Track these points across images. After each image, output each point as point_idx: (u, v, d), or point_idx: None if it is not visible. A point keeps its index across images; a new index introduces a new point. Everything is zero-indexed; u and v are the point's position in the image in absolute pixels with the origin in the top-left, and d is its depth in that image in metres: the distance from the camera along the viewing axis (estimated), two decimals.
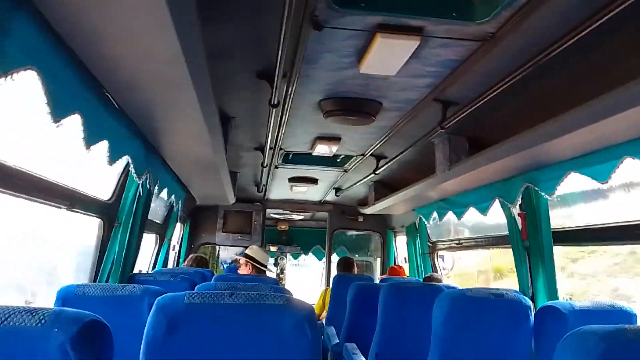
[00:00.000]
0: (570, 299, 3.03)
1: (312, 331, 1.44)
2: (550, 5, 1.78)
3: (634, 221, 2.42)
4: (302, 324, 1.43)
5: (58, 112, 1.59)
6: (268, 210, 7.24)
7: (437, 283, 3.68)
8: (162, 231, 4.88)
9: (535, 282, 2.93)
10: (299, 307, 1.47)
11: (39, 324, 0.97)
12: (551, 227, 2.94)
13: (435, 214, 4.58)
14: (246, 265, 4.04)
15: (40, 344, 0.96)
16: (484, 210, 3.58)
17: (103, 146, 2.08)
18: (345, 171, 5.06)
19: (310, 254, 8.62)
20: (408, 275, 5.61)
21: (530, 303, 2.36)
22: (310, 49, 2.26)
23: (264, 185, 5.81)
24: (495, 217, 3.70)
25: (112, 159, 2.18)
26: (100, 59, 1.72)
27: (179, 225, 5.80)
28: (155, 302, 1.41)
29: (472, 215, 3.93)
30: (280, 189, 6.30)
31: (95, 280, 2.80)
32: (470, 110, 2.80)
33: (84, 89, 1.79)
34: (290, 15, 1.80)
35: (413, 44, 2.10)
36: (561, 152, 2.52)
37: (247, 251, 4.09)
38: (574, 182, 2.62)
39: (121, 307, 2.03)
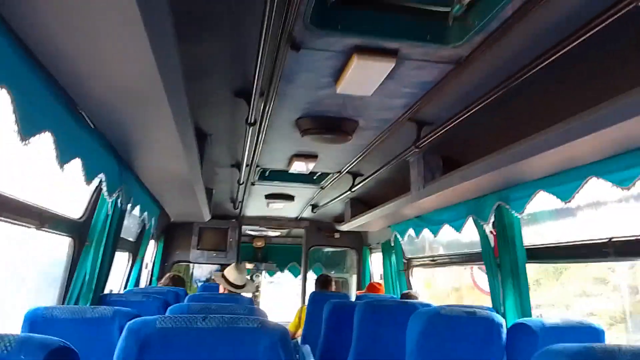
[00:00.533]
0: (540, 315, 3.09)
1: (286, 354, 1.43)
2: (520, 30, 1.84)
3: (600, 239, 2.49)
4: (276, 346, 1.42)
5: (27, 130, 1.55)
6: (244, 227, 7.18)
7: (413, 300, 3.69)
8: (135, 249, 4.78)
9: (506, 299, 2.97)
10: (273, 329, 1.46)
11: (5, 351, 0.94)
12: (524, 244, 3.00)
13: (410, 231, 4.62)
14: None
15: None
16: (458, 228, 3.63)
17: (76, 164, 2.04)
18: (322, 188, 5.07)
19: (286, 270, 8.56)
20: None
21: (502, 320, 2.39)
22: (288, 68, 2.28)
23: (240, 201, 5.77)
24: (470, 234, 3.76)
25: (88, 177, 2.14)
26: (73, 76, 1.70)
27: (152, 242, 5.68)
28: (126, 327, 1.37)
29: (447, 232, 3.99)
30: (256, 205, 6.26)
31: (64, 301, 2.71)
32: (444, 130, 2.86)
33: (56, 106, 1.76)
34: (268, 34, 1.82)
35: (389, 65, 2.15)
36: (531, 172, 2.60)
37: (225, 271, 4.04)
38: (546, 200, 2.69)
39: (91, 330, 1.97)
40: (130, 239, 4.58)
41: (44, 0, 1.23)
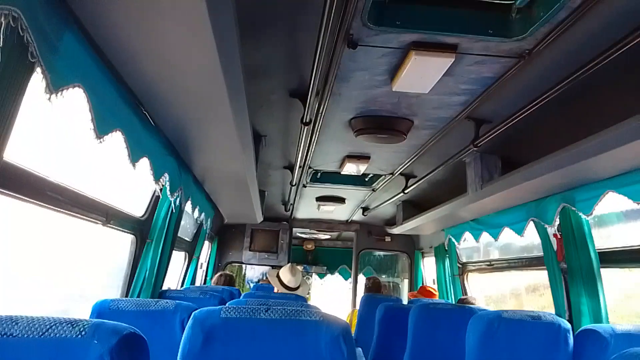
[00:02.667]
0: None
1: (348, 347, 1.42)
2: (589, 20, 1.75)
3: None
4: (338, 339, 1.41)
5: (102, 128, 1.64)
6: (294, 229, 7.25)
7: (471, 306, 3.58)
8: (191, 249, 4.92)
9: (576, 304, 2.82)
10: (335, 323, 1.45)
11: (79, 335, 0.98)
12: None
13: (466, 235, 4.49)
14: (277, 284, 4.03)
15: (81, 354, 0.96)
16: (519, 231, 3.49)
17: (145, 163, 2.13)
18: (374, 190, 5.04)
19: (337, 273, 8.55)
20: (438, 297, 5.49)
21: (568, 325, 2.27)
22: (344, 67, 2.28)
23: (291, 204, 5.83)
24: (523, 238, 3.61)
25: (156, 176, 2.24)
26: (140, 75, 1.77)
27: (206, 243, 5.84)
28: (192, 316, 1.41)
29: (501, 236, 3.85)
30: (307, 207, 6.30)
31: (127, 295, 2.83)
32: (503, 128, 2.76)
33: (124, 105, 1.84)
34: (326, 34, 1.83)
35: (447, 61, 2.10)
36: (599, 171, 2.45)
37: (279, 272, 4.09)
38: (615, 201, 2.53)
39: (154, 322, 2.04)
40: (187, 239, 4.72)
41: (116, 2, 1.29)
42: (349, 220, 7.01)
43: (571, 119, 2.58)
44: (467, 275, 5.18)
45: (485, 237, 4.12)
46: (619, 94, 2.22)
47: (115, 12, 1.35)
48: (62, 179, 1.91)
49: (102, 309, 2.03)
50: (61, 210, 1.93)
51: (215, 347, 1.37)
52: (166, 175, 2.53)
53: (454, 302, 4.94)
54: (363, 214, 6.35)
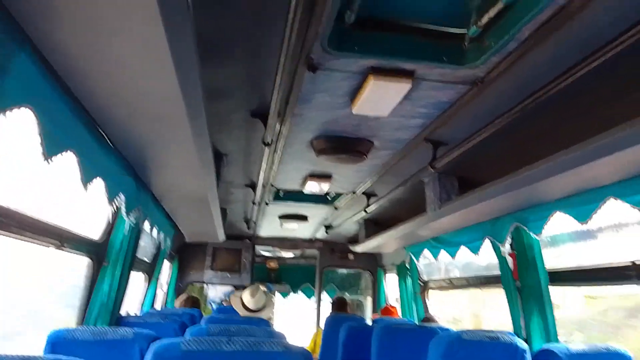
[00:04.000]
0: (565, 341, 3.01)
1: None
2: (539, 52, 1.85)
3: (624, 263, 2.44)
4: None
5: (51, 149, 1.58)
6: (257, 248, 7.17)
7: (433, 324, 3.63)
8: (151, 269, 4.79)
9: (529, 323, 2.90)
10: (297, 353, 1.44)
11: None
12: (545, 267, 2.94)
13: (426, 252, 4.57)
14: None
15: None
16: (475, 250, 3.58)
17: (98, 184, 2.07)
18: (336, 208, 5.06)
19: (300, 292, 8.49)
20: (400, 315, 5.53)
21: (525, 346, 2.33)
22: (305, 90, 2.31)
23: (253, 222, 5.78)
24: (485, 257, 3.71)
25: (110, 196, 2.17)
26: (96, 96, 1.73)
27: (166, 263, 5.69)
28: (152, 350, 1.36)
29: (464, 254, 3.93)
30: (270, 225, 6.26)
31: (82, 322, 2.72)
32: (460, 150, 2.85)
33: (78, 126, 1.80)
34: (287, 57, 1.85)
35: (405, 86, 2.16)
36: (549, 193, 2.56)
37: (243, 293, 4.03)
38: (566, 222, 2.65)
39: (112, 352, 1.97)
40: (146, 259, 4.60)
41: (68, 21, 1.26)
42: (313, 238, 7.00)
43: (524, 143, 2.69)
44: (427, 293, 5.25)
45: (447, 256, 4.20)
46: (565, 120, 2.34)
47: (69, 33, 1.32)
48: (10, 202, 1.83)
49: (57, 340, 1.95)
50: (10, 234, 1.85)
51: None
52: (121, 195, 2.46)
53: (416, 321, 4.98)
54: (326, 231, 6.36)
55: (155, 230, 3.67)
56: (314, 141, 3.10)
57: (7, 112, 1.30)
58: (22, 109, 1.37)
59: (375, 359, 2.90)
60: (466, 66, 2.02)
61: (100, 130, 2.03)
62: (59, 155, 1.65)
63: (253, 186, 4.22)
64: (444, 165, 3.13)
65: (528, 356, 2.31)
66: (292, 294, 8.57)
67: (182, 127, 1.95)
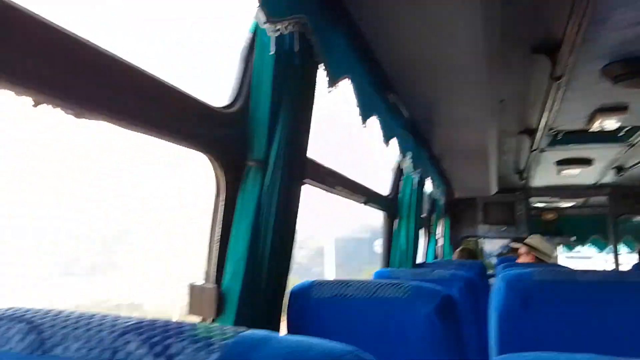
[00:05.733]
0: None
1: None
2: None
3: None
4: None
5: (365, 115, 1.81)
6: (531, 199, 6.75)
7: None
8: (428, 225, 5.03)
9: None
10: None
11: (404, 296, 1.10)
12: None
13: None
14: (527, 254, 3.81)
15: (407, 312, 1.08)
16: None
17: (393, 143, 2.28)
18: (631, 146, 4.33)
19: (588, 244, 7.63)
20: None
21: None
22: (601, 8, 2.01)
23: (526, 172, 5.44)
24: None
25: (402, 156, 2.37)
26: (396, 59, 1.87)
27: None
28: (505, 281, 1.38)
29: None
30: (544, 174, 5.78)
31: (387, 266, 3.07)
32: None
33: (379, 93, 1.99)
34: None
35: None
36: None
37: (527, 240, 3.87)
38: None
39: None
40: (423, 215, 4.84)
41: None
42: (598, 184, 6.18)
43: None
44: None
45: None
46: None
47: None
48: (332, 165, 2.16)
49: (382, 277, 2.23)
50: (336, 192, 2.18)
51: (531, 309, 1.32)
52: (408, 154, 2.64)
53: None
54: (618, 174, 5.52)
55: (432, 187, 3.83)
56: (606, 68, 2.69)
57: (337, 84, 1.52)
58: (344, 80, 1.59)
59: None
60: None
61: (391, 96, 2.20)
62: (369, 119, 1.87)
63: (529, 132, 3.95)
64: None
65: None
66: (578, 247, 7.79)
67: (469, 76, 1.96)
